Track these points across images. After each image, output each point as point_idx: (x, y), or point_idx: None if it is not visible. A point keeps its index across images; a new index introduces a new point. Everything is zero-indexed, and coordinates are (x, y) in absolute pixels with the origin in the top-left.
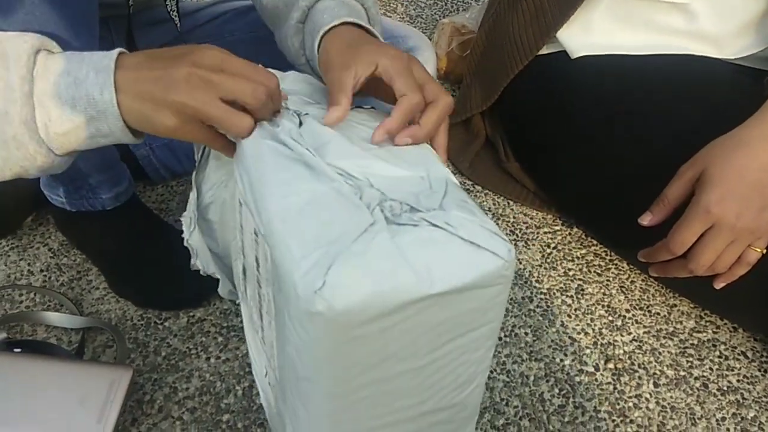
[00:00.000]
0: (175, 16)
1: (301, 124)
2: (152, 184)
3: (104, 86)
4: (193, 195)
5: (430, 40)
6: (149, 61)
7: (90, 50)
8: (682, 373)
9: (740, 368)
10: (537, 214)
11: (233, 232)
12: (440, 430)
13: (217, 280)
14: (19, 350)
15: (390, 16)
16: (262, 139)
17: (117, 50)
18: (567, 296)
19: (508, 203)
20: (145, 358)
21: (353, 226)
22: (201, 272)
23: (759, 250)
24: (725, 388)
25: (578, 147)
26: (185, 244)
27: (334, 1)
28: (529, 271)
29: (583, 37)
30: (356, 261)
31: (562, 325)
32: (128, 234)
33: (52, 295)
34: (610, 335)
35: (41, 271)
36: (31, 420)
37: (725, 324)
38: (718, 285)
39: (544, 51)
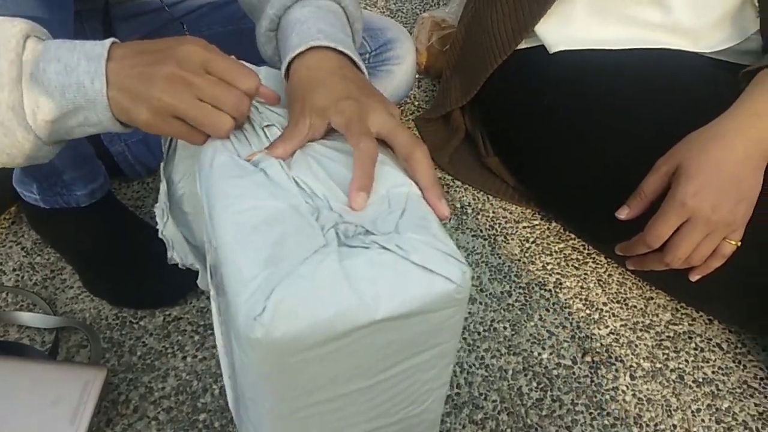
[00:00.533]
0: None
1: (265, 136)
2: (128, 181)
3: (95, 75)
4: (163, 186)
5: (411, 34)
6: (136, 54)
7: (65, 38)
8: (658, 366)
9: (715, 360)
10: (516, 208)
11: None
12: None
13: (195, 274)
14: None
15: (370, 11)
16: (222, 148)
17: (110, 40)
18: (545, 290)
19: (488, 198)
20: (120, 358)
21: (303, 248)
22: (179, 265)
23: (734, 242)
24: (700, 380)
25: (557, 142)
26: (160, 235)
27: (306, 9)
28: (508, 266)
29: (561, 31)
30: (300, 285)
31: (541, 318)
32: (103, 231)
33: (25, 295)
34: (588, 328)
35: (14, 270)
36: (2, 422)
37: (701, 316)
38: (694, 277)
39: (523, 45)
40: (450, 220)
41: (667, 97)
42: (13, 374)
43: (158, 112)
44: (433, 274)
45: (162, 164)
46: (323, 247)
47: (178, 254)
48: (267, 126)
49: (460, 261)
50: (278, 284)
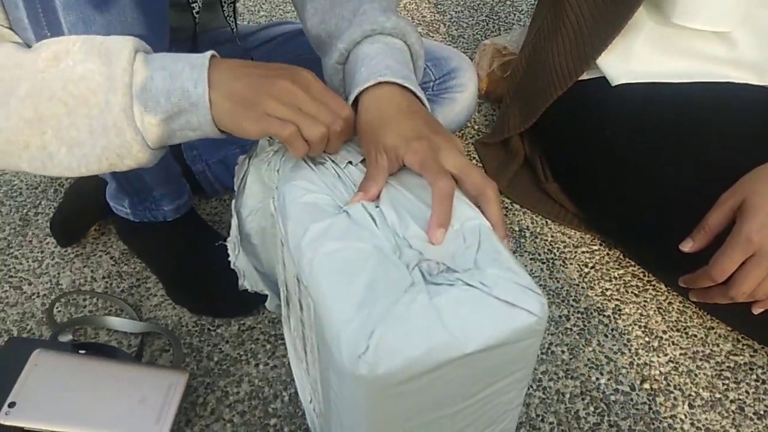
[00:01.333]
0: (232, 21)
1: (339, 176)
2: (207, 198)
3: (198, 80)
4: (234, 221)
5: (472, 60)
6: (244, 67)
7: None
8: (717, 396)
9: None
10: (575, 233)
11: (276, 256)
12: None
13: (266, 294)
14: (83, 352)
15: (433, 37)
16: (301, 188)
17: (210, 52)
18: (604, 316)
19: (546, 222)
20: (199, 363)
21: (394, 287)
22: (250, 290)
23: None
24: (762, 412)
25: (617, 172)
26: (232, 266)
27: (375, 46)
28: (567, 290)
29: (623, 64)
30: (397, 324)
31: (599, 344)
32: (186, 245)
33: (113, 301)
34: (647, 356)
35: (103, 277)
36: (96, 417)
37: (762, 347)
38: (757, 311)
39: (584, 77)
40: (508, 243)
41: (731, 130)
42: (106, 373)
43: (268, 116)
44: (515, 307)
45: (234, 201)
46: (411, 286)
47: (249, 282)
48: (347, 165)
49: (537, 293)
50: (378, 324)
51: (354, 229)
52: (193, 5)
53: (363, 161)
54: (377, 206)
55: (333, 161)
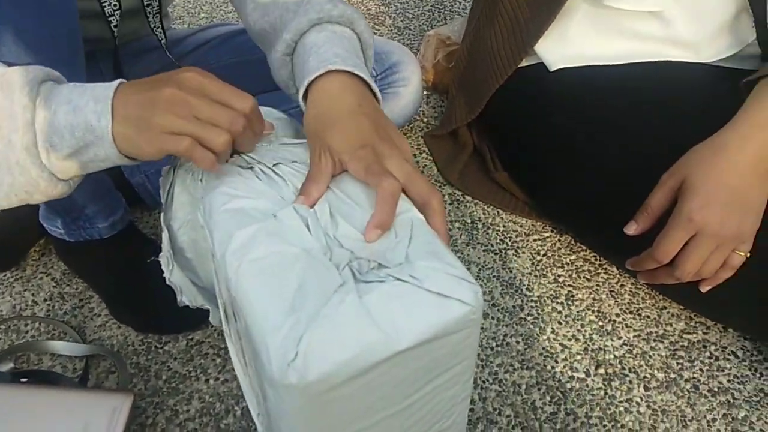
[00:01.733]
0: (159, 32)
1: (270, 177)
2: (149, 210)
3: (102, 114)
4: (165, 235)
5: (418, 51)
6: (137, 86)
7: (77, 77)
8: (672, 376)
9: (730, 368)
10: (526, 221)
11: (210, 269)
12: None
13: (208, 309)
14: (25, 380)
15: (378, 30)
16: (226, 195)
17: (118, 81)
18: (557, 303)
19: (498, 212)
20: (147, 382)
21: (323, 290)
22: (191, 306)
23: (743, 254)
24: (716, 389)
25: (562, 158)
26: (168, 282)
27: (323, 34)
28: (520, 280)
29: (559, 49)
30: (326, 327)
31: (553, 332)
32: (125, 261)
33: (55, 325)
34: (601, 340)
35: (45, 300)
36: None
37: (715, 324)
38: (704, 288)
39: (524, 63)
40: (461, 235)
41: (669, 109)
42: (46, 402)
43: (161, 133)
44: (448, 298)
45: (162, 214)
46: (341, 286)
47: (187, 297)
48: (276, 164)
49: (471, 282)
50: (306, 329)
51: (282, 233)
52: (110, 19)
53: (294, 162)
54: (311, 207)
55: (260, 162)
